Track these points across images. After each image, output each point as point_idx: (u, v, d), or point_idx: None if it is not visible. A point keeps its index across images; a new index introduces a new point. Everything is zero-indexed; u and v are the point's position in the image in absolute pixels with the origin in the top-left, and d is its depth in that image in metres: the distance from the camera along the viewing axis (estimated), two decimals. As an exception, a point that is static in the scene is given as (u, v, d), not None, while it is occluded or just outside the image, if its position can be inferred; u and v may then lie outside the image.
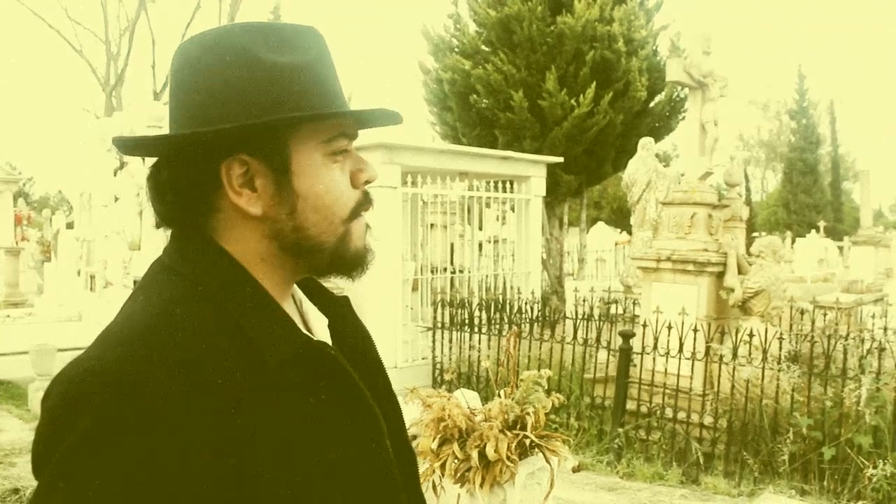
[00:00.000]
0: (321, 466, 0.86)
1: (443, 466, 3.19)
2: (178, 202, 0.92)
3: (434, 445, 3.22)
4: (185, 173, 0.90)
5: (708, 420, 6.05)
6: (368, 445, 0.93)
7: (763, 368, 5.64)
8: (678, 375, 6.14)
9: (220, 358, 0.83)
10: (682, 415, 6.10)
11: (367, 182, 0.97)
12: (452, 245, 12.54)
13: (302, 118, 0.89)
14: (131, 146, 0.95)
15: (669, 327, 6.10)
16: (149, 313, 0.86)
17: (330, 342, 1.01)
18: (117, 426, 0.75)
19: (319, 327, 1.03)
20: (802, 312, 7.56)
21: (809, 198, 37.96)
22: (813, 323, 7.33)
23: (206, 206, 0.91)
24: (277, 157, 0.89)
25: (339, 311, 1.09)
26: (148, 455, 0.75)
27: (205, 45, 0.90)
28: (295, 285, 1.04)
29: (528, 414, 3.27)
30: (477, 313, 7.90)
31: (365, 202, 0.97)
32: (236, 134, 0.87)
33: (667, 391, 6.19)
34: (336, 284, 1.31)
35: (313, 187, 0.91)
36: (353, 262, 0.97)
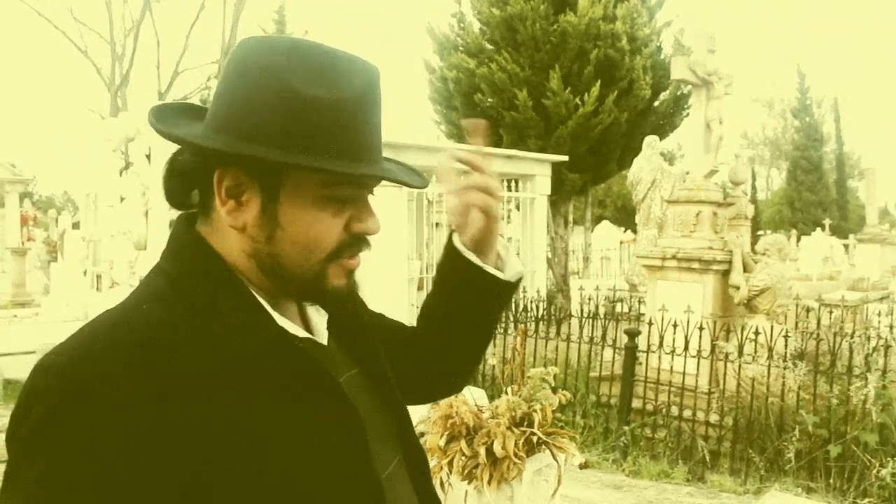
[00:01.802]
0: (284, 459, 0.86)
1: (450, 463, 3.20)
2: (181, 189, 0.95)
3: (442, 442, 3.24)
4: (191, 167, 0.93)
5: (714, 418, 6.05)
6: (341, 440, 0.93)
7: (769, 366, 5.64)
8: (684, 373, 6.14)
9: (178, 351, 0.84)
10: (687, 413, 6.10)
11: (363, 234, 0.96)
12: (457, 244, 12.51)
13: (294, 165, 0.87)
14: (156, 127, 0.96)
15: (675, 325, 6.10)
16: (119, 310, 0.89)
17: (326, 337, 1.02)
18: (65, 418, 0.78)
19: (318, 322, 1.04)
20: (808, 310, 7.55)
21: (814, 196, 37.83)
22: (819, 321, 7.32)
23: (204, 202, 0.94)
24: (269, 184, 0.90)
25: (339, 307, 1.08)
26: (95, 447, 0.77)
27: (252, 55, 0.91)
28: None
29: (535, 411, 3.28)
30: (482, 312, 7.89)
31: (352, 246, 0.95)
32: (235, 153, 0.88)
33: (672, 389, 6.19)
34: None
35: (294, 223, 0.91)
36: (327, 299, 0.97)
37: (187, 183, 0.95)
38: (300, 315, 1.03)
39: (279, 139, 0.87)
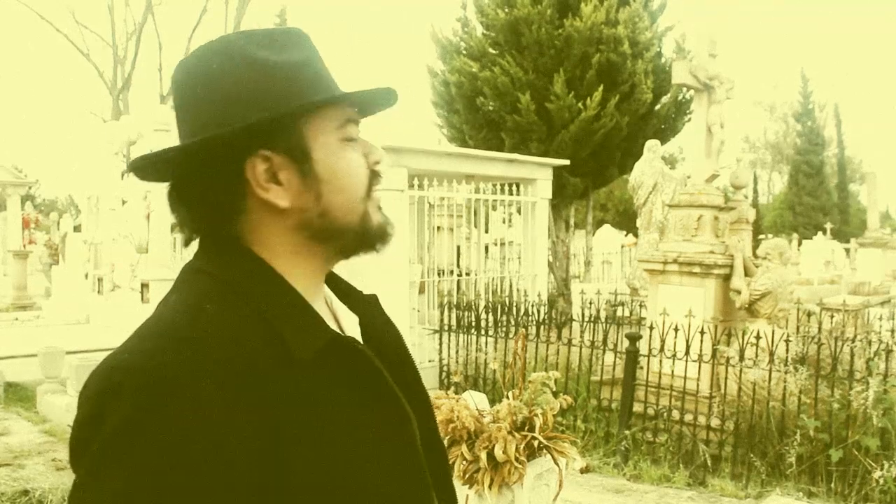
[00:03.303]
0: (351, 461, 0.86)
1: (451, 467, 3.21)
2: (206, 211, 0.93)
3: (442, 447, 3.23)
4: (210, 180, 0.91)
5: (715, 422, 6.05)
6: (398, 441, 0.93)
7: (770, 370, 5.63)
8: (685, 377, 6.14)
9: (250, 352, 0.83)
10: (688, 417, 6.10)
11: (377, 163, 1.00)
12: (459, 248, 12.57)
13: (315, 103, 0.91)
14: (149, 167, 0.95)
15: (676, 329, 6.10)
16: (180, 309, 0.87)
17: (360, 339, 1.02)
18: (149, 418, 0.76)
19: (350, 325, 1.04)
20: (809, 314, 7.55)
21: (815, 200, 37.86)
22: (820, 325, 7.31)
23: (234, 210, 0.92)
24: (297, 147, 0.91)
25: (369, 310, 1.10)
26: (180, 446, 0.75)
27: (207, 55, 0.92)
28: (325, 286, 1.04)
29: (536, 415, 3.28)
30: (483, 316, 7.91)
31: (375, 179, 1.00)
32: (255, 130, 0.88)
33: (673, 393, 6.19)
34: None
35: (335, 170, 0.94)
36: (376, 236, 1.00)
37: (207, 206, 0.93)
38: (334, 318, 1.03)
39: (283, 100, 0.90)
